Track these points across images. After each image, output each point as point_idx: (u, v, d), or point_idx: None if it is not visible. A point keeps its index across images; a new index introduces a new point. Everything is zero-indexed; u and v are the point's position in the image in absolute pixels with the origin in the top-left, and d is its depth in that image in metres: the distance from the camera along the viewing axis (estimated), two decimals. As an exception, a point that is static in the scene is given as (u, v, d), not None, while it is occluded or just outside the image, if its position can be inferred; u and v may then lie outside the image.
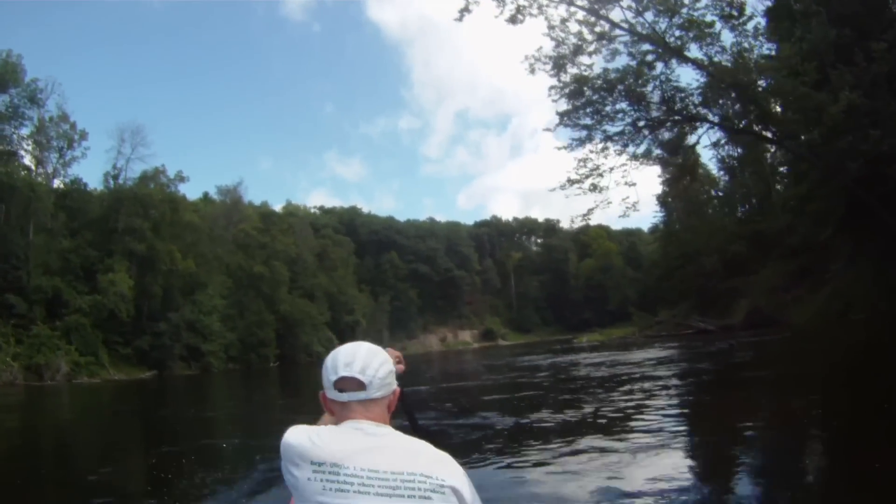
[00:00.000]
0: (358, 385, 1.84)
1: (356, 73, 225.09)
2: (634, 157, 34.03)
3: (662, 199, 79.99)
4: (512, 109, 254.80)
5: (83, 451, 15.65)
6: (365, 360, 1.87)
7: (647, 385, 17.78)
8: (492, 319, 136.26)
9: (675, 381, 19.21)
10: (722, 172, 70.83)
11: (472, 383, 28.74)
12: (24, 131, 66.21)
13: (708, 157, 72.94)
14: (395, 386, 1.95)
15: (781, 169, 56.21)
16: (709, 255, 59.18)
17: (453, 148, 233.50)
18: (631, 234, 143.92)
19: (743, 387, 15.82)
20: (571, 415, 14.04)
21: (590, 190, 33.81)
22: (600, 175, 33.54)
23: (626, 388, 17.72)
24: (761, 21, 32.97)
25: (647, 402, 14.54)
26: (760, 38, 32.45)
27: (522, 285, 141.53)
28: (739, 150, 59.64)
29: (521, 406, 16.75)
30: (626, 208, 34.64)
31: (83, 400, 38.84)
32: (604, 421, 12.54)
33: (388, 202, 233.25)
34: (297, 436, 1.81)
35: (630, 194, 49.46)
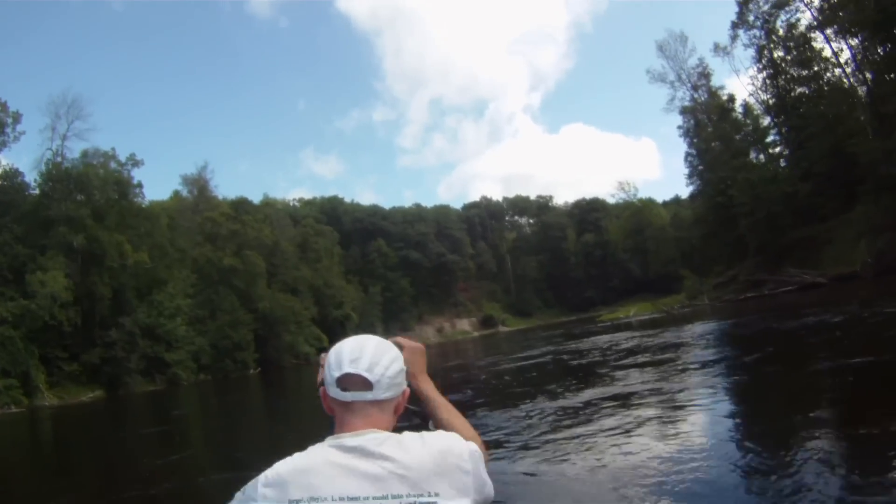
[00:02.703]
0: (364, 384, 1.55)
1: (327, 66, 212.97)
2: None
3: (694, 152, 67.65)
4: (487, 94, 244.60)
5: None
6: (373, 357, 1.57)
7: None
8: (490, 305, 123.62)
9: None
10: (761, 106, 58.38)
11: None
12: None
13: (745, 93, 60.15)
14: (404, 386, 1.66)
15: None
16: (773, 202, 46.22)
17: (430, 137, 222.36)
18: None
19: None
20: None
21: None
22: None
23: None
24: None
25: None
26: None
27: (519, 267, 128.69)
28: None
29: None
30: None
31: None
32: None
33: (368, 196, 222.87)
34: (275, 474, 1.49)
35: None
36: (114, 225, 57.83)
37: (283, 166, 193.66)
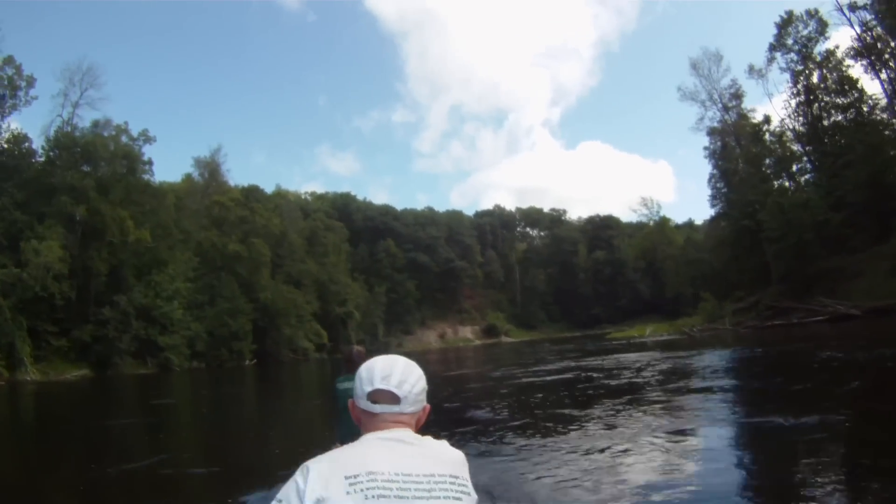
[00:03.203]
0: (392, 398, 1.73)
1: (350, 64, 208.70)
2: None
3: (717, 174, 65.12)
4: (508, 105, 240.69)
5: None
6: (402, 375, 1.76)
7: None
8: (494, 315, 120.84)
9: None
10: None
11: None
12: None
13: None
14: (425, 402, 1.82)
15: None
16: (804, 229, 43.53)
17: (447, 143, 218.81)
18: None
19: None
20: None
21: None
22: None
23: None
24: None
25: None
26: None
27: (527, 279, 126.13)
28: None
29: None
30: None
31: None
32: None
33: (380, 197, 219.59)
34: (324, 458, 1.63)
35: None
36: (118, 199, 55.53)
37: (299, 160, 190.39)
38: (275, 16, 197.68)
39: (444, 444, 1.75)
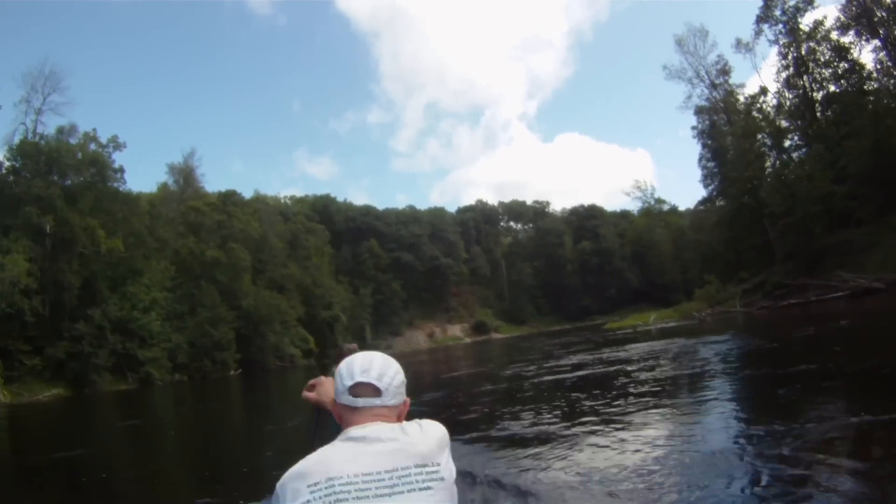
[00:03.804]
0: (374, 391, 1.76)
1: (324, 67, 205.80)
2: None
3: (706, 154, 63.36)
4: (483, 101, 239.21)
5: None
6: (381, 368, 1.79)
7: None
8: (483, 311, 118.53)
9: None
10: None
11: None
12: None
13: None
14: (405, 396, 1.84)
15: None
16: (810, 204, 41.52)
17: (424, 141, 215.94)
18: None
19: None
20: None
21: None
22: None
23: None
24: None
25: None
26: None
27: (514, 273, 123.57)
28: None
29: None
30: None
31: None
32: None
33: (360, 199, 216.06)
34: (293, 470, 1.67)
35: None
36: (87, 208, 52.55)
37: (277, 166, 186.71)
38: (245, 20, 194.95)
39: (419, 427, 1.72)
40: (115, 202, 55.71)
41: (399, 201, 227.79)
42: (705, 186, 62.59)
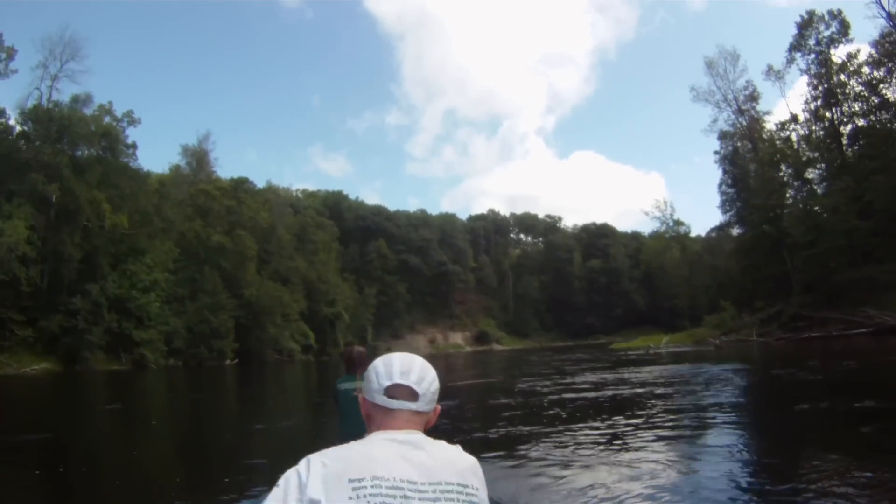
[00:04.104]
0: (411, 395, 1.66)
1: (346, 64, 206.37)
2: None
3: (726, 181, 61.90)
4: (503, 112, 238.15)
5: None
6: (421, 372, 1.69)
7: None
8: (486, 321, 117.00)
9: None
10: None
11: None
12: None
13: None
14: (437, 404, 1.75)
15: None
16: (835, 237, 39.83)
17: (440, 147, 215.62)
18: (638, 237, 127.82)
19: None
20: None
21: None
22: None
23: None
24: None
25: None
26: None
27: (521, 286, 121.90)
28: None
29: None
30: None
31: None
32: None
33: (371, 200, 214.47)
34: (330, 454, 1.54)
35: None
36: (94, 181, 51.14)
37: (291, 160, 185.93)
38: (273, 11, 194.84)
39: (456, 450, 1.65)
40: (124, 177, 54.28)
41: (410, 205, 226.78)
42: (723, 212, 61.17)
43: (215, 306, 57.80)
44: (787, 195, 51.50)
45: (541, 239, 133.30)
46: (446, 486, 1.51)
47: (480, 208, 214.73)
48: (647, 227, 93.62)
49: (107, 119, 55.32)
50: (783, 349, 32.37)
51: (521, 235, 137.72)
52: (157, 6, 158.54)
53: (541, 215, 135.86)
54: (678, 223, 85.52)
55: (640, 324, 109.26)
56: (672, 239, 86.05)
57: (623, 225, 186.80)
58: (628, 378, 20.90)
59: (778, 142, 54.74)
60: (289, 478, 1.47)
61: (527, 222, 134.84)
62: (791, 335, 36.84)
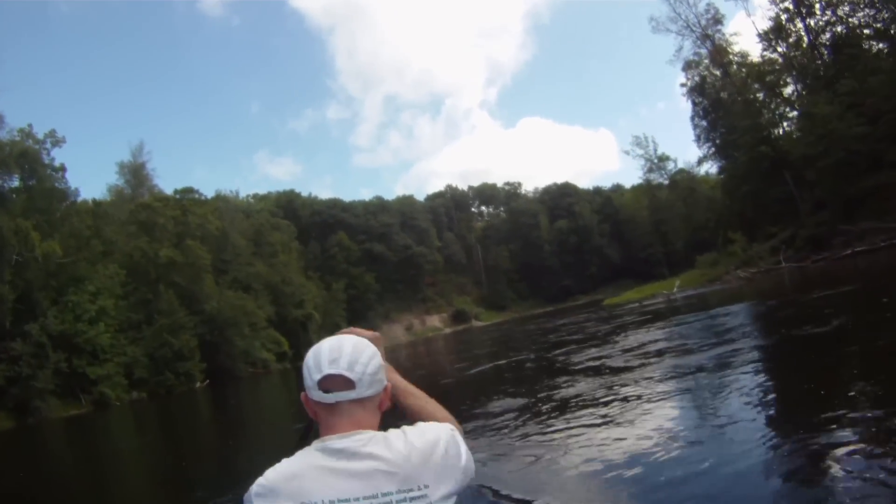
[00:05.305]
0: (346, 383, 1.52)
1: (280, 66, 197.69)
2: None
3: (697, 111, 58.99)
4: (443, 90, 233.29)
5: None
6: (352, 355, 1.54)
7: None
8: (461, 299, 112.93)
9: None
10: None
11: None
12: None
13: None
14: (385, 382, 1.62)
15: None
16: (848, 143, 36.43)
17: (385, 134, 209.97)
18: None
19: None
20: None
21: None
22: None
23: None
24: None
25: None
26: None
27: (490, 258, 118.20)
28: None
29: None
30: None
31: None
32: None
33: (324, 196, 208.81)
34: (263, 484, 1.46)
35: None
36: (19, 209, 45.52)
37: (238, 170, 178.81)
38: (198, 23, 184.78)
39: (404, 437, 1.49)
40: (51, 200, 48.63)
41: (364, 196, 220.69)
42: (699, 145, 58.12)
43: (174, 326, 52.48)
44: (768, 114, 48.42)
45: (503, 208, 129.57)
46: (383, 499, 1.38)
47: (435, 189, 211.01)
48: (637, 163, 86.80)
49: (28, 143, 49.77)
50: (821, 272, 28.93)
51: (483, 207, 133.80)
52: (75, 28, 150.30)
53: (500, 184, 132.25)
54: (663, 158, 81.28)
55: (616, 278, 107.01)
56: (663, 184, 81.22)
57: (582, 184, 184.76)
58: (684, 331, 16.94)
59: (752, 59, 51.92)
60: None
61: (486, 193, 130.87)
62: (828, 254, 33.42)
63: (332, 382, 1.49)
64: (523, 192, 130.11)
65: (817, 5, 48.01)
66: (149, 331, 51.95)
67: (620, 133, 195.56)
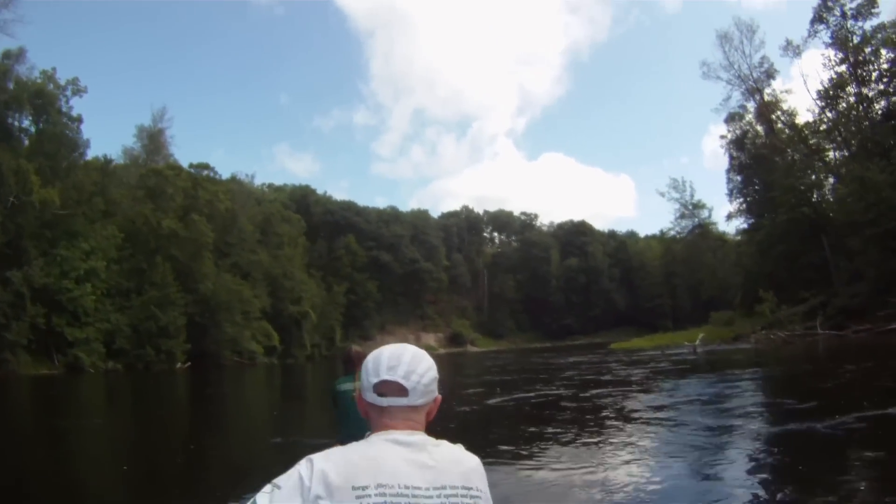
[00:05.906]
0: (399, 390, 1.56)
1: (315, 61, 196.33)
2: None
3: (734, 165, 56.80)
4: (472, 112, 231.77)
5: None
6: (410, 365, 1.58)
7: None
8: (459, 322, 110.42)
9: None
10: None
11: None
12: None
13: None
14: (436, 394, 1.65)
15: None
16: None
17: (408, 147, 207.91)
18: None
19: None
20: None
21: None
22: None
23: None
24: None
25: None
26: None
27: (496, 285, 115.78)
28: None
29: None
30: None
31: None
32: None
33: (339, 197, 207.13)
34: (334, 457, 1.48)
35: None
36: (25, 151, 43.04)
37: (257, 158, 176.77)
38: (243, 8, 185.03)
39: (458, 450, 1.59)
40: (60, 147, 46.10)
41: (378, 205, 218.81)
42: (730, 200, 55.94)
43: (164, 301, 49.90)
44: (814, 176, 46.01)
45: (514, 237, 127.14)
46: (451, 491, 1.44)
47: (450, 209, 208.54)
48: (671, 206, 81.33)
49: (50, 87, 47.54)
50: (870, 343, 26.22)
51: (496, 234, 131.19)
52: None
53: (516, 212, 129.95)
54: (699, 206, 77.21)
55: (619, 324, 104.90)
56: (700, 234, 77.79)
57: (597, 226, 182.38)
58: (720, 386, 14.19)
59: (799, 120, 49.74)
60: (290, 477, 1.39)
61: (501, 220, 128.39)
62: (870, 327, 30.70)
63: (388, 388, 1.53)
64: (538, 224, 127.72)
65: (874, 74, 45.81)
66: (137, 301, 49.37)
67: (640, 180, 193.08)
